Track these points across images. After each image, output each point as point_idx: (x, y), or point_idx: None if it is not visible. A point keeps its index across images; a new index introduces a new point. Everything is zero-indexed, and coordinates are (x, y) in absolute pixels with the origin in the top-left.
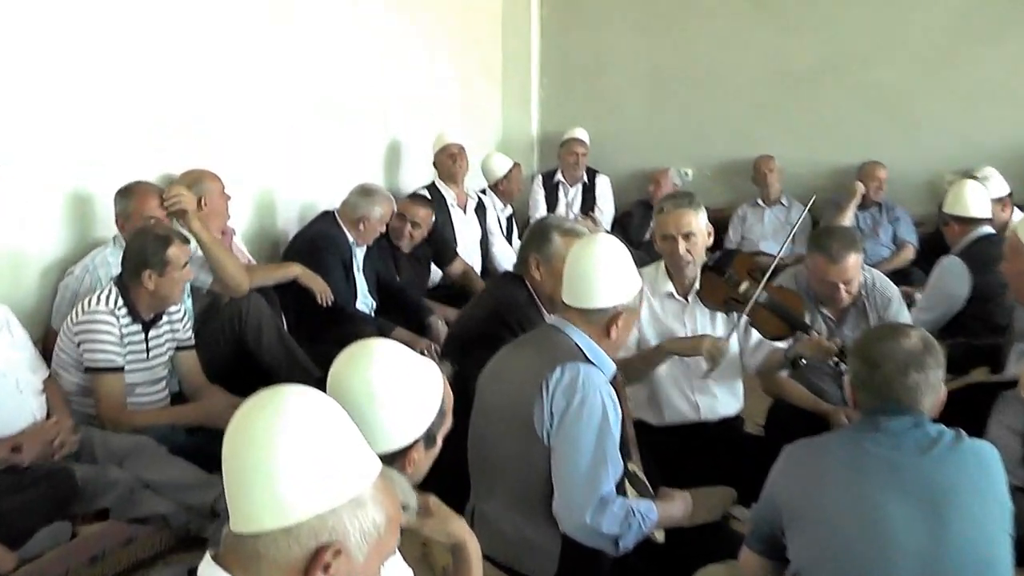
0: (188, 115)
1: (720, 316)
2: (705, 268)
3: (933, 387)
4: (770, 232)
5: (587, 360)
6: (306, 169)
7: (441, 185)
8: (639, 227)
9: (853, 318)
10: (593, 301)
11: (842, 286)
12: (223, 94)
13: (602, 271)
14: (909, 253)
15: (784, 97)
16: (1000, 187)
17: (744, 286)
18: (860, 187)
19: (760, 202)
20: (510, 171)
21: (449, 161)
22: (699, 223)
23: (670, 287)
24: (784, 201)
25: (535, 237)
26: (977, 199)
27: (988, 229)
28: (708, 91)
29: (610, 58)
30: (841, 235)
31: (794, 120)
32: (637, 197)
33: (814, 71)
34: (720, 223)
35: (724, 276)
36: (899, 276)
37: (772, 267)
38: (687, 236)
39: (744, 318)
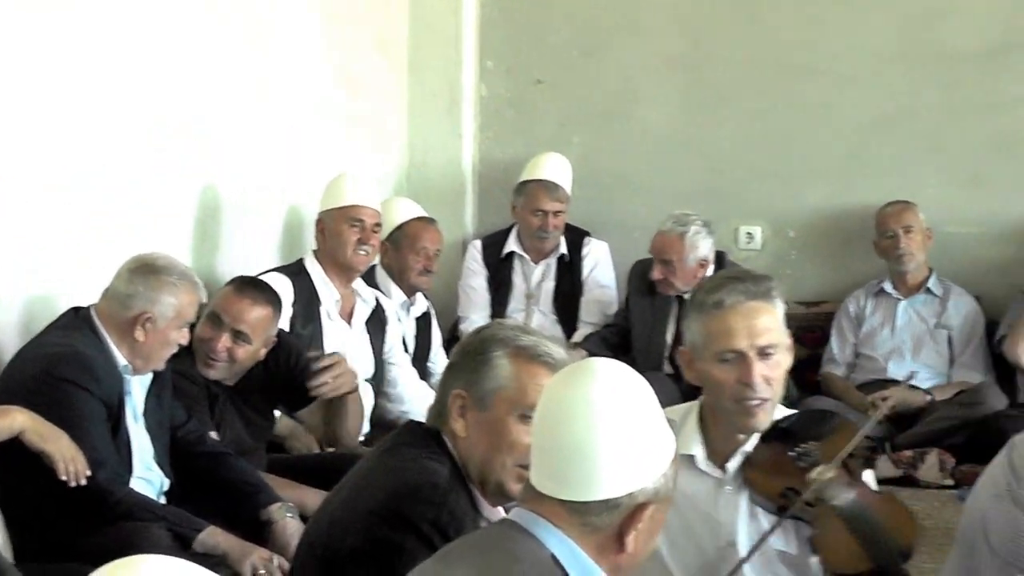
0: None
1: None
2: (777, 430)
3: None
4: (908, 342)
5: None
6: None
7: (315, 270)
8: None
9: None
10: (591, 489)
11: None
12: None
13: (605, 434)
14: None
15: (936, 97)
16: None
17: (819, 473)
18: None
19: (889, 288)
20: (415, 226)
21: (351, 232)
22: (782, 329)
23: (695, 447)
24: (934, 287)
25: (463, 358)
26: None
27: None
28: (793, 86)
29: (613, 25)
30: None
31: (954, 140)
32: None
33: (986, 53)
34: (815, 326)
35: (794, 448)
36: None
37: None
38: (764, 353)
39: (805, 529)
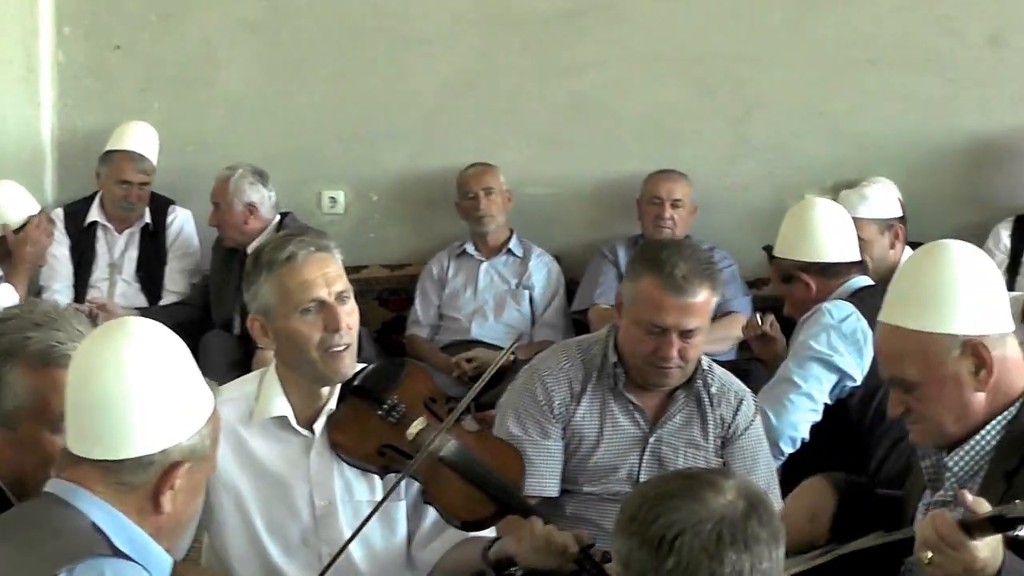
0: None
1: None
2: (353, 388)
3: None
4: (490, 303)
5: (116, 553)
6: None
7: None
8: None
9: (680, 418)
10: (124, 446)
11: (677, 343)
12: None
13: (136, 390)
14: (739, 329)
15: (512, 60)
16: (887, 207)
17: (416, 427)
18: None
19: (471, 250)
20: (26, 225)
21: None
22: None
23: (283, 407)
24: (515, 247)
25: None
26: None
27: (864, 279)
28: (370, 49)
29: None
30: (692, 253)
31: (531, 102)
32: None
33: (560, 16)
34: (399, 289)
35: (381, 405)
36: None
37: (480, 384)
38: (341, 298)
39: (414, 485)
